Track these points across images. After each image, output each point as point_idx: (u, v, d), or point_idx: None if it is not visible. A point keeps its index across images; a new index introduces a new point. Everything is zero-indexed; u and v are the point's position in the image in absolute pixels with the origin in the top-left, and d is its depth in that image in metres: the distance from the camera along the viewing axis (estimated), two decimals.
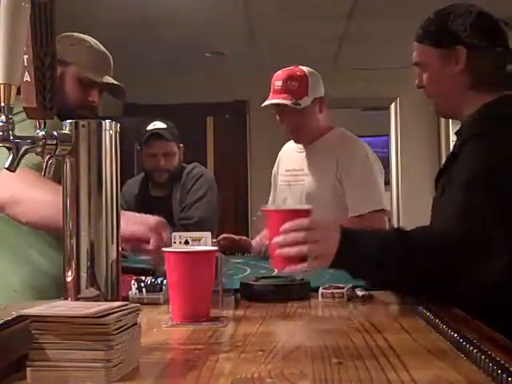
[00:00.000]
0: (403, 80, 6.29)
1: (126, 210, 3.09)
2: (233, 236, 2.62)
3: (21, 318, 0.82)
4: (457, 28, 1.60)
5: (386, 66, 5.97)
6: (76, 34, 1.96)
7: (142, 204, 3.02)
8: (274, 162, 2.88)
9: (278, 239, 1.26)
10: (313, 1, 4.34)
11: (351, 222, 2.35)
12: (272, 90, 2.56)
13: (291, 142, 2.77)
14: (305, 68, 2.59)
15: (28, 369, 0.78)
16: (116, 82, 2.01)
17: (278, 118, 2.61)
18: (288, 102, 2.49)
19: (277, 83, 2.54)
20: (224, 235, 2.58)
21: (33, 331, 0.78)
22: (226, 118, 6.51)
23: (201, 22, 4.75)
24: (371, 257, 1.27)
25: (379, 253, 1.28)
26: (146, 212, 2.75)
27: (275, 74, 2.58)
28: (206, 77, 6.03)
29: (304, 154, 2.64)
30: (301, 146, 2.67)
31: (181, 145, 3.19)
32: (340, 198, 2.51)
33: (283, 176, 2.72)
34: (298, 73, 2.55)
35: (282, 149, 2.87)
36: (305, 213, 1.31)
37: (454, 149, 1.60)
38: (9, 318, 0.84)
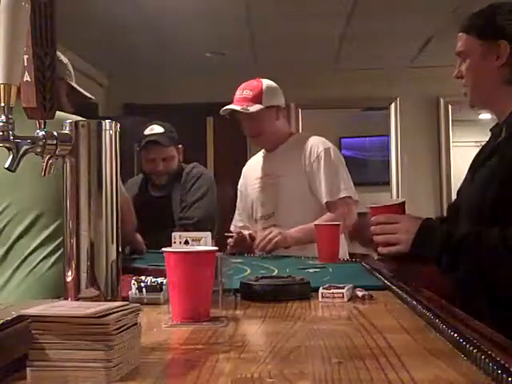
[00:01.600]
0: (403, 80, 6.32)
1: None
2: (245, 234, 2.68)
3: (21, 318, 0.82)
4: (503, 23, 1.64)
5: (386, 66, 5.97)
6: None
7: (142, 204, 3.02)
8: None
9: (372, 229, 1.65)
10: (313, 1, 4.34)
11: (324, 218, 2.59)
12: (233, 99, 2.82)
13: (254, 157, 3.04)
14: (265, 80, 2.82)
15: (28, 369, 0.78)
16: (89, 95, 2.21)
17: (242, 127, 2.87)
18: (237, 108, 2.75)
19: (237, 93, 2.82)
20: (239, 230, 2.67)
21: (33, 331, 0.78)
22: (226, 118, 6.50)
23: (201, 22, 4.75)
24: (440, 253, 1.55)
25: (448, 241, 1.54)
26: (146, 212, 2.78)
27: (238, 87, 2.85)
28: (205, 77, 6.02)
29: (269, 159, 2.87)
30: (265, 154, 2.91)
31: (179, 146, 3.19)
32: (310, 191, 2.72)
33: (254, 184, 2.88)
34: (255, 83, 2.81)
35: (246, 165, 3.08)
36: (397, 206, 1.69)
37: (497, 143, 1.63)
38: (9, 318, 0.84)
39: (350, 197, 2.70)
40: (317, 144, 2.78)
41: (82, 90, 2.13)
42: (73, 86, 2.08)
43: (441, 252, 1.56)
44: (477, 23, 1.69)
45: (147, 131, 3.14)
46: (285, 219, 2.69)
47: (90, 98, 2.19)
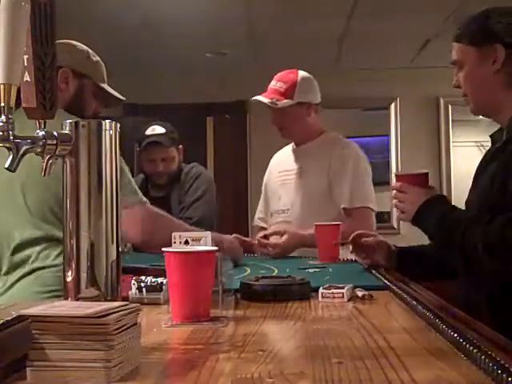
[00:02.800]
0: (403, 80, 6.31)
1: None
2: (241, 237, 2.66)
3: (21, 318, 0.82)
4: (496, 27, 1.63)
5: (386, 66, 5.97)
6: (78, 44, 1.99)
7: None
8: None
9: (393, 193, 1.74)
10: (313, 1, 4.34)
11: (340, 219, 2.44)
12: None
13: (282, 150, 2.92)
14: (302, 73, 2.70)
15: (28, 369, 0.78)
16: (121, 97, 2.10)
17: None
18: (266, 101, 2.65)
19: (271, 83, 2.70)
20: (234, 235, 2.62)
21: (33, 331, 0.78)
22: (225, 118, 6.50)
23: (201, 22, 4.75)
24: (437, 225, 1.61)
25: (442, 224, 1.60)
26: None
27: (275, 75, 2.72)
28: (205, 77, 6.02)
29: (296, 155, 2.77)
30: (293, 149, 2.81)
31: (180, 146, 3.19)
32: (330, 193, 2.62)
33: (276, 177, 2.82)
34: (291, 75, 2.69)
35: (273, 158, 2.99)
36: (416, 176, 1.76)
37: (495, 148, 1.64)
38: (9, 318, 0.84)
39: (370, 208, 2.61)
40: (348, 148, 2.70)
41: (111, 90, 2.04)
42: (101, 88, 1.99)
43: (433, 232, 1.65)
44: (468, 30, 1.67)
45: (148, 131, 3.14)
46: (298, 218, 2.62)
47: (120, 100, 2.09)
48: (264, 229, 2.79)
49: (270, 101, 2.64)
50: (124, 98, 2.11)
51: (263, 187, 2.94)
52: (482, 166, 1.69)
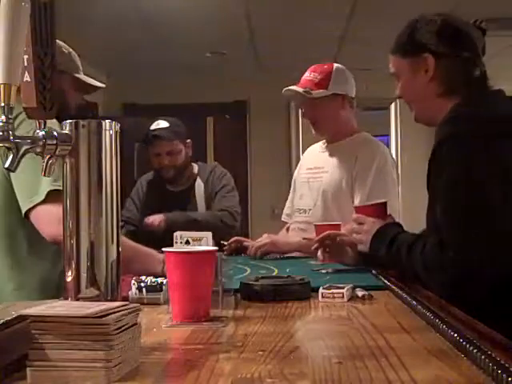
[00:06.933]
0: None
1: (138, 208, 3.22)
2: (242, 239, 2.65)
3: (21, 318, 0.82)
4: (423, 37, 1.66)
5: (386, 66, 5.96)
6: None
7: (161, 199, 3.16)
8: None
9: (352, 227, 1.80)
10: (313, 1, 4.34)
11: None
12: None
13: (314, 145, 2.83)
14: (337, 64, 2.64)
15: (28, 369, 0.78)
16: (100, 84, 2.09)
17: (301, 110, 2.70)
18: (300, 90, 2.55)
19: (305, 74, 2.62)
20: (235, 238, 2.62)
21: (33, 331, 0.78)
22: (225, 118, 6.51)
23: (201, 22, 4.75)
24: (386, 251, 1.64)
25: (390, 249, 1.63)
26: (162, 206, 2.99)
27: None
28: (206, 77, 6.02)
29: (326, 153, 2.67)
30: (324, 146, 2.71)
31: (188, 140, 3.23)
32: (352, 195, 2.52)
33: (304, 174, 2.74)
34: (325, 66, 2.61)
35: (305, 152, 2.93)
36: (374, 207, 1.86)
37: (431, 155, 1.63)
38: (9, 318, 0.84)
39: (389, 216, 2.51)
40: (378, 153, 2.55)
41: (88, 79, 2.01)
42: (78, 78, 1.97)
43: (385, 258, 1.66)
44: (400, 43, 1.72)
45: (153, 126, 3.19)
46: (319, 220, 2.45)
47: (98, 87, 2.06)
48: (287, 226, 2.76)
49: (304, 90, 2.54)
50: (103, 85, 2.10)
51: (292, 182, 2.85)
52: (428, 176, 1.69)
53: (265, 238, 2.50)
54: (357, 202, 2.44)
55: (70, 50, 1.97)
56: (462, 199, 1.46)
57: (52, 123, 1.06)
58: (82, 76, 1.99)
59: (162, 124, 3.17)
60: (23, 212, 1.57)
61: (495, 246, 1.41)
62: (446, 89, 1.65)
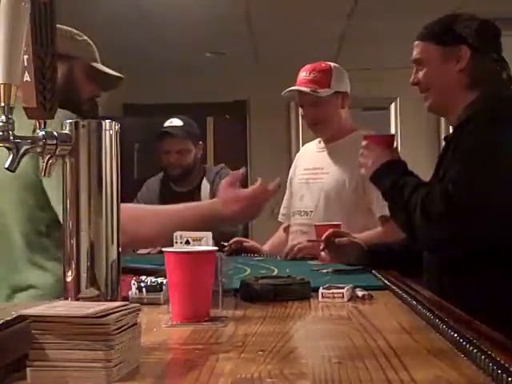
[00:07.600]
0: (403, 80, 6.30)
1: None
2: (242, 239, 2.65)
3: (21, 318, 0.82)
4: (462, 30, 1.73)
5: (385, 66, 5.97)
6: (64, 27, 1.83)
7: (167, 200, 3.14)
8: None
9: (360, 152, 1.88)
10: (313, 1, 4.34)
11: (371, 235, 2.31)
12: (297, 81, 2.61)
13: (309, 144, 2.81)
14: (331, 63, 2.65)
15: (28, 369, 0.78)
16: (119, 74, 1.97)
17: (301, 111, 2.68)
18: (307, 90, 2.53)
19: (301, 74, 2.60)
20: (236, 239, 2.61)
21: (33, 331, 0.78)
22: (225, 118, 6.51)
23: (201, 22, 4.75)
24: (390, 185, 1.73)
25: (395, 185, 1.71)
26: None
27: (302, 68, 2.64)
28: (206, 77, 6.02)
29: (325, 152, 2.65)
30: (321, 145, 2.68)
31: (200, 142, 3.23)
32: (360, 197, 2.47)
33: (301, 175, 2.71)
34: (323, 65, 2.61)
35: (300, 151, 2.92)
36: (382, 137, 1.94)
37: (452, 132, 1.73)
38: (9, 318, 0.84)
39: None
40: None
41: (104, 69, 1.89)
42: (92, 66, 1.85)
43: (386, 191, 1.76)
44: (435, 30, 1.78)
45: (166, 123, 3.19)
46: (322, 222, 2.36)
47: (119, 78, 1.94)
48: (286, 226, 2.75)
49: (310, 89, 2.51)
50: (122, 76, 1.96)
51: (288, 182, 2.79)
52: (438, 163, 1.80)
53: (303, 241, 2.38)
54: (379, 211, 2.36)
55: (85, 37, 1.87)
56: (486, 165, 1.53)
57: (65, 115, 1.05)
58: (96, 64, 1.88)
59: (175, 122, 3.17)
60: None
61: (503, 218, 1.48)
62: (471, 82, 1.71)
